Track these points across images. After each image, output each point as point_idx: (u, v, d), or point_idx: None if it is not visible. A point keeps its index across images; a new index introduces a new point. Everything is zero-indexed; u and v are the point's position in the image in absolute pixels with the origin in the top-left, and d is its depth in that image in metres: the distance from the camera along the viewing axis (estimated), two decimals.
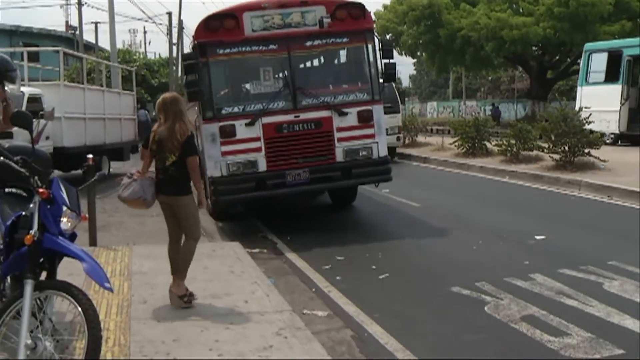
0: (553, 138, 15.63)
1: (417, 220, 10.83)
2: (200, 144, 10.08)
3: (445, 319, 6.06)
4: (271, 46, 9.83)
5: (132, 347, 5.12)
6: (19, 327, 3.99)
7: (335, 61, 11.23)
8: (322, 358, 4.92)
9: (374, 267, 7.89)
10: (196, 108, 11.17)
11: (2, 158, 4.51)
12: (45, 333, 4.17)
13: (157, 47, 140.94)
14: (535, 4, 30.81)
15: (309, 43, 10.04)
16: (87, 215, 6.61)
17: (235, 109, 9.78)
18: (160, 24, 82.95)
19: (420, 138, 25.92)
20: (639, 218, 10.27)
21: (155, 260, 7.48)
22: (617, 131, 21.48)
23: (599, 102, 20.53)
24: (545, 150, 15.90)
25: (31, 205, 4.30)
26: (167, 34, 44.75)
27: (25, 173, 4.38)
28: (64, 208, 4.48)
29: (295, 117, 9.66)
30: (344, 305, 6.55)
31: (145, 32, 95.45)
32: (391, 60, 10.41)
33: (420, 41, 36.05)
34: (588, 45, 23.93)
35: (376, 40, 10.29)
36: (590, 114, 15.87)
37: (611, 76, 21.82)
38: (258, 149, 9.57)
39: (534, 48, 34.86)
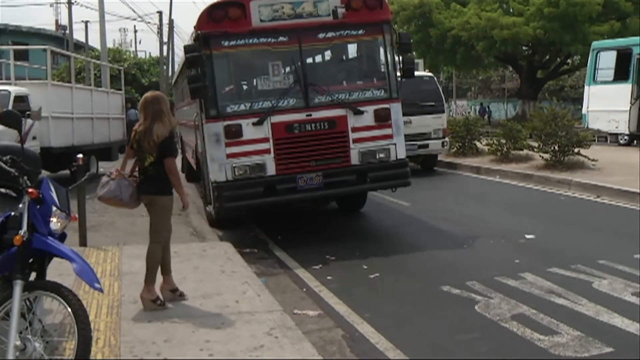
0: (543, 137, 15.69)
1: (407, 220, 10.85)
2: (201, 146, 9.70)
3: (436, 318, 6.08)
4: (280, 38, 9.09)
5: (123, 347, 5.10)
6: (7, 328, 3.98)
7: (350, 55, 10.41)
8: (313, 358, 4.92)
9: (364, 266, 7.90)
10: (195, 106, 10.52)
11: None
12: (34, 334, 4.15)
13: (148, 46, 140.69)
14: (525, 4, 30.95)
15: (321, 35, 9.30)
16: (76, 216, 6.57)
17: (242, 107, 9.03)
18: (151, 23, 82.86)
19: None
20: (628, 217, 10.34)
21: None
22: (626, 131, 20.67)
23: (608, 102, 20.16)
24: (535, 149, 15.96)
25: (20, 206, 4.28)
26: (158, 33, 44.64)
27: (14, 173, 4.36)
28: (54, 208, 4.46)
29: (307, 116, 8.96)
30: (334, 305, 6.56)
31: (135, 31, 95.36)
32: (410, 55, 9.76)
33: (411, 40, 36.09)
34: (596, 44, 23.22)
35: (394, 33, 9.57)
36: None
37: (620, 75, 21.08)
38: (266, 151, 8.85)
39: (524, 48, 35.00)
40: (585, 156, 14.88)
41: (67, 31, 42.95)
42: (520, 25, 29.90)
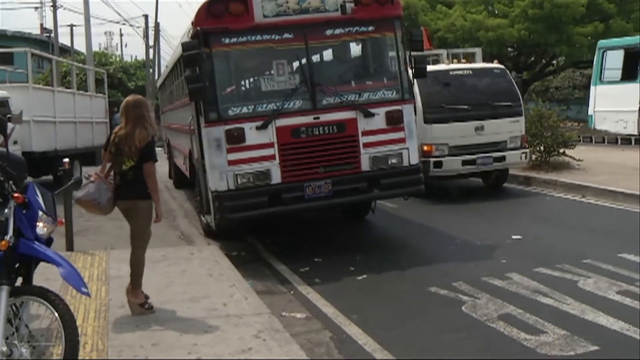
0: (529, 138, 15.77)
1: (394, 222, 10.89)
2: (197, 152, 9.23)
3: (423, 319, 6.12)
4: (285, 35, 8.48)
5: (110, 352, 5.10)
6: None
7: (360, 53, 9.73)
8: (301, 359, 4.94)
9: (352, 268, 7.92)
10: (189, 109, 9.78)
11: None
12: (21, 339, 4.15)
13: (134, 50, 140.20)
14: (510, 5, 31.12)
15: (329, 32, 8.68)
16: (63, 220, 6.57)
17: (244, 110, 8.38)
18: (137, 27, 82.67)
19: None
20: (612, 216, 10.44)
21: None
22: (635, 132, 19.66)
23: (615, 102, 19.47)
24: None
25: (6, 211, 4.27)
26: (144, 36, 44.50)
27: (0, 177, 4.35)
28: (40, 213, 4.45)
29: (315, 119, 8.37)
30: (322, 307, 6.58)
31: (121, 35, 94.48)
32: (422, 53, 9.21)
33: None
34: (602, 43, 22.14)
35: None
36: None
37: (628, 74, 20.08)
38: (271, 157, 8.22)
39: (509, 49, 35.18)
40: (570, 156, 14.98)
41: (52, 35, 42.79)
42: (505, 27, 30.07)
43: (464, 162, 12.40)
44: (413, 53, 8.92)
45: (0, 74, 17.22)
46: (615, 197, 11.50)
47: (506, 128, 12.71)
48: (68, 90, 18.64)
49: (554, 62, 36.56)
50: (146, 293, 6.24)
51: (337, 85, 8.77)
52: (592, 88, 21.88)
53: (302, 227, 10.81)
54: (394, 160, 8.65)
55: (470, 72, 13.15)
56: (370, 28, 8.86)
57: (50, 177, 14.68)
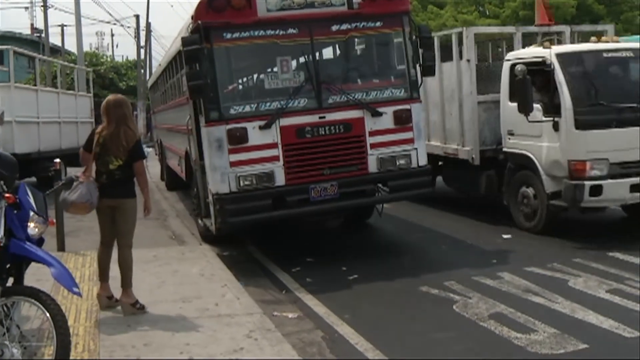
0: None
1: (384, 222, 10.90)
2: (195, 153, 8.97)
3: (415, 318, 6.14)
4: (290, 30, 8.11)
5: (102, 352, 5.09)
6: None
7: (367, 50, 9.30)
8: (293, 359, 4.95)
9: (344, 268, 7.93)
10: (186, 108, 9.46)
11: None
12: (12, 340, 4.14)
13: (125, 50, 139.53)
14: (500, 6, 31.28)
15: (335, 27, 8.34)
16: (54, 220, 6.56)
17: (247, 109, 8.01)
18: (128, 27, 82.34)
19: None
20: (600, 215, 10.48)
21: None
22: None
23: None
24: None
25: None
26: (135, 36, 44.38)
27: None
28: (31, 213, 4.45)
29: (320, 118, 8.03)
30: (314, 307, 6.59)
31: (112, 35, 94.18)
32: (431, 51, 8.76)
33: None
34: None
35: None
36: None
37: None
38: (275, 158, 7.89)
39: (500, 50, 35.33)
40: None
41: (43, 35, 42.59)
42: None
43: (634, 187, 8.49)
44: (422, 50, 8.55)
45: None
46: None
47: None
48: (52, 89, 17.95)
49: None
50: (137, 293, 6.24)
51: (344, 83, 8.49)
52: None
53: (293, 227, 10.81)
54: (402, 162, 8.33)
55: (631, 54, 9.11)
56: (378, 23, 8.52)
57: (33, 179, 14.45)
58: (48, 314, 4.14)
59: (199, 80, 7.66)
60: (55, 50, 44.15)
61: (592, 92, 8.71)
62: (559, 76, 8.51)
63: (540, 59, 8.86)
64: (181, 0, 56.13)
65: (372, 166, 8.20)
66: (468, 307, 6.24)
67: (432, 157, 10.02)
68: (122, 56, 62.99)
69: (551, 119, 8.55)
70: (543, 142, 8.80)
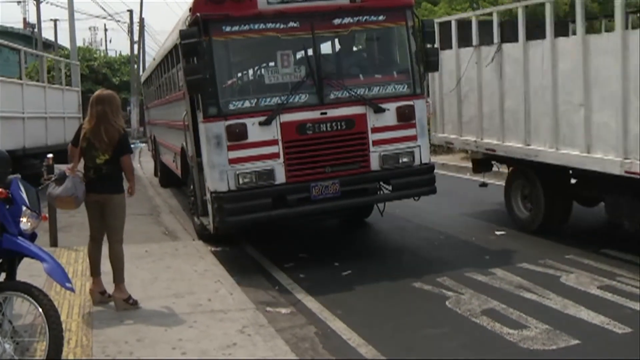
0: None
1: (377, 218, 10.91)
2: (191, 149, 8.90)
3: (407, 314, 6.16)
4: (291, 24, 7.91)
5: (95, 347, 5.09)
6: None
7: (369, 44, 9.21)
8: (286, 355, 4.96)
9: (336, 264, 7.95)
10: (183, 104, 9.32)
11: None
12: (4, 335, 4.14)
13: (118, 45, 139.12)
14: (494, 3, 31.32)
15: (337, 21, 8.12)
16: (47, 216, 6.55)
17: (246, 104, 7.82)
18: (121, 22, 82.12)
19: None
20: (592, 211, 10.52)
21: None
22: None
23: None
24: None
25: None
26: (128, 32, 44.29)
27: None
28: (24, 208, 4.44)
29: (322, 114, 7.83)
30: (307, 302, 6.61)
31: (106, 30, 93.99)
32: (434, 46, 8.63)
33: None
34: None
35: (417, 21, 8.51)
36: None
37: None
38: (275, 155, 7.70)
39: None
40: None
41: (36, 29, 42.46)
42: None
43: None
44: (424, 44, 8.40)
45: None
46: None
47: None
48: (38, 83, 17.28)
49: None
50: (130, 289, 6.24)
51: (346, 78, 8.29)
52: None
53: (287, 223, 10.82)
54: (405, 159, 8.19)
55: None
56: (381, 17, 8.29)
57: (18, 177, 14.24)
58: (41, 310, 4.13)
59: (197, 75, 7.47)
60: (48, 45, 44.04)
61: None
62: None
63: None
64: None
65: (375, 164, 8.04)
66: (461, 303, 6.27)
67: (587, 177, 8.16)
68: (116, 51, 62.86)
69: None
70: None
